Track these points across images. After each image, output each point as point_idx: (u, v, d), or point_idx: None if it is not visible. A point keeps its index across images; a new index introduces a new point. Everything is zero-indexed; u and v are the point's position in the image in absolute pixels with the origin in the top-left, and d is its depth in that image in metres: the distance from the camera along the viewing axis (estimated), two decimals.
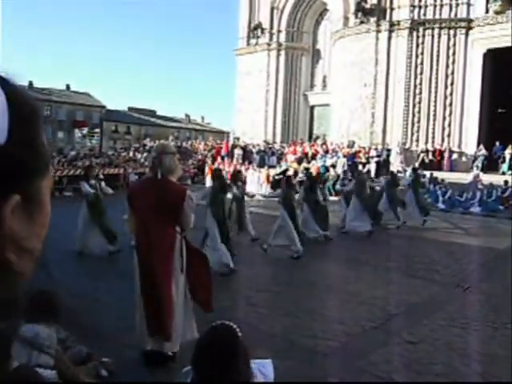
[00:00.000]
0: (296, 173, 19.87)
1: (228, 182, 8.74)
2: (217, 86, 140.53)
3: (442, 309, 5.60)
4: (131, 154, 27.89)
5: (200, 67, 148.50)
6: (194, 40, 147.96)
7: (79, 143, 48.31)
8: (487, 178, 17.46)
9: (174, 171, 3.80)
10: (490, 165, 20.99)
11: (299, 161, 21.63)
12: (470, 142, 22.00)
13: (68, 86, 56.84)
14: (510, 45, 20.48)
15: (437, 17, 22.14)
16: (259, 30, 30.55)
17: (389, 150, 21.56)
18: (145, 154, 24.63)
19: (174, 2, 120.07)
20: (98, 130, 52.50)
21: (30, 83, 51.65)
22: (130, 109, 61.49)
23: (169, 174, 3.73)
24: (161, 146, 4.02)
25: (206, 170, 23.65)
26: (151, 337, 3.71)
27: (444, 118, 22.32)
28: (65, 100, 53.88)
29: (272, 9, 30.12)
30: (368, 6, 23.41)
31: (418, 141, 22.59)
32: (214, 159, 26.05)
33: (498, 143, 21.36)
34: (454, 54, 21.99)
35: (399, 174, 19.29)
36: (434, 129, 22.50)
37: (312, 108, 30.42)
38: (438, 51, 22.18)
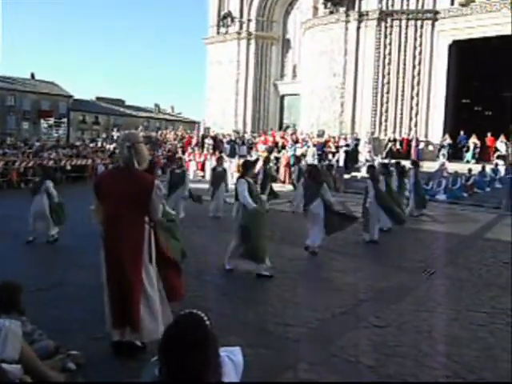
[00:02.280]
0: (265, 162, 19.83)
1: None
2: (187, 76, 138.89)
3: (409, 294, 5.75)
4: (99, 144, 27.37)
5: (169, 56, 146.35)
6: (164, 28, 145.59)
7: (45, 134, 47.05)
8: (452, 167, 17.94)
9: (147, 160, 3.79)
10: (455, 154, 21.61)
11: (270, 150, 21.67)
12: (435, 132, 22.54)
13: (33, 75, 55.13)
14: (474, 37, 21.02)
15: (404, 8, 22.46)
16: (229, 19, 30.30)
17: (357, 140, 21.87)
18: (113, 145, 24.19)
19: None
20: (64, 120, 51.23)
21: None
22: (98, 98, 60.22)
23: (144, 162, 3.73)
24: (133, 135, 3.95)
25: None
26: (116, 328, 3.67)
27: (411, 108, 22.76)
28: (30, 89, 52.24)
29: None
30: None
31: (386, 130, 22.98)
32: (184, 149, 25.85)
33: (462, 132, 21.98)
34: (420, 44, 22.39)
35: (368, 163, 19.62)
36: (401, 118, 22.93)
37: (282, 97, 30.48)
38: (406, 42, 22.54)
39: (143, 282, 3.61)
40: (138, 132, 5.50)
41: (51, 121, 51.10)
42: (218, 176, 11.68)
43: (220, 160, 12.47)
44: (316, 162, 17.17)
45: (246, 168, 6.54)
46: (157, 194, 3.62)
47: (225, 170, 12.32)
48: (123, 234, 3.57)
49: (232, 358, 1.91)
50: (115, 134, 29.29)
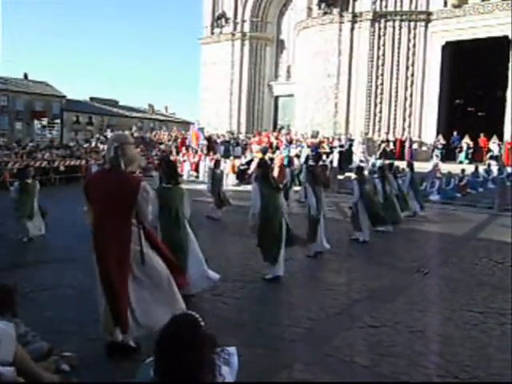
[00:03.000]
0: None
1: None
2: (181, 76, 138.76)
3: (402, 293, 5.78)
4: (93, 144, 27.25)
5: (164, 57, 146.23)
6: (158, 28, 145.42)
7: (39, 134, 46.77)
8: (446, 167, 18.03)
9: (135, 161, 3.78)
10: (449, 154, 21.73)
11: (264, 151, 21.68)
12: (429, 132, 22.66)
13: (26, 75, 54.81)
14: (467, 38, 21.17)
15: (397, 9, 22.58)
16: (223, 20, 30.30)
17: (351, 140, 21.93)
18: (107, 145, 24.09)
19: None
20: (58, 121, 50.95)
21: None
22: (92, 99, 59.94)
23: (131, 163, 3.71)
24: (121, 136, 3.98)
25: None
26: (109, 329, 3.67)
27: (405, 109, 22.87)
28: (23, 90, 51.92)
29: None
30: None
31: (379, 131, 23.07)
32: (178, 150, 25.80)
33: (455, 133, 22.11)
34: (414, 46, 22.52)
35: (361, 164, 19.70)
36: (395, 119, 23.02)
37: (276, 98, 30.53)
38: (399, 43, 22.66)
39: (130, 284, 3.60)
40: (126, 133, 5.59)
41: (44, 121, 50.81)
42: (218, 178, 11.78)
43: (218, 162, 12.63)
44: (310, 163, 17.16)
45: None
46: (143, 196, 3.59)
47: (222, 172, 12.45)
48: (110, 236, 3.56)
49: (227, 359, 1.92)
50: (109, 135, 29.16)
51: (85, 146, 26.65)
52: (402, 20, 22.50)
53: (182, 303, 3.81)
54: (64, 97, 54.48)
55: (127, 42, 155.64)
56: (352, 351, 4.00)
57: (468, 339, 4.33)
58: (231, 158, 22.23)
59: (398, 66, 22.68)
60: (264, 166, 6.39)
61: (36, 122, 50.52)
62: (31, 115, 51.21)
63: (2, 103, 49.92)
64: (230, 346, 2.01)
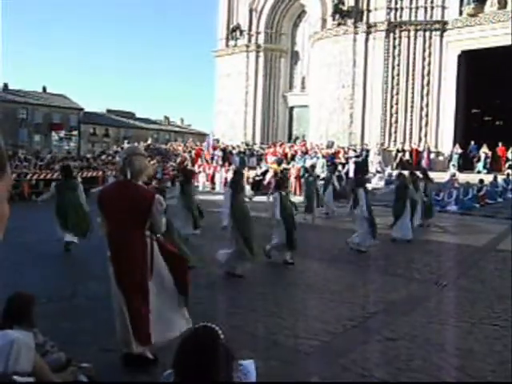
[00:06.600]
0: (276, 174, 19.91)
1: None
2: (197, 88, 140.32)
3: (420, 306, 5.69)
4: (110, 156, 27.55)
5: (179, 69, 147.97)
6: (173, 41, 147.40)
7: (56, 146, 47.59)
8: (463, 177, 17.80)
9: (144, 171, 3.81)
10: (466, 164, 21.46)
11: (279, 162, 21.70)
12: (446, 142, 22.44)
13: (44, 88, 55.91)
14: (483, 47, 21.00)
15: (412, 19, 22.55)
16: (238, 32, 30.59)
17: (367, 151, 21.82)
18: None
19: (153, 3, 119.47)
20: (75, 133, 51.77)
21: (5, 85, 50.63)
22: (109, 111, 60.81)
23: (139, 174, 3.74)
24: (129, 148, 4.05)
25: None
26: (126, 340, 3.67)
27: (421, 118, 22.71)
28: (41, 102, 52.91)
29: (250, 10, 30.20)
30: (345, 8, 23.68)
31: (395, 141, 22.93)
32: (193, 161, 25.96)
33: (472, 143, 21.85)
34: (429, 55, 22.41)
35: (379, 174, 19.56)
36: (411, 129, 22.87)
37: (291, 109, 30.60)
38: (414, 53, 22.58)
39: (147, 294, 3.62)
40: (137, 145, 5.63)
41: (62, 133, 51.68)
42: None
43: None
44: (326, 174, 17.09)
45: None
46: (157, 208, 3.63)
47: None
48: (125, 247, 3.60)
49: (244, 372, 1.92)
50: (125, 147, 29.47)
51: (102, 157, 26.98)
52: (416, 30, 22.45)
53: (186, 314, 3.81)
54: (81, 109, 55.33)
55: (143, 55, 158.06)
56: (370, 365, 3.94)
57: (490, 354, 4.23)
58: (246, 168, 22.29)
59: (413, 75, 22.59)
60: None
61: (54, 134, 51.41)
62: (49, 127, 52.11)
63: (22, 116, 50.89)
64: (246, 358, 2.00)
